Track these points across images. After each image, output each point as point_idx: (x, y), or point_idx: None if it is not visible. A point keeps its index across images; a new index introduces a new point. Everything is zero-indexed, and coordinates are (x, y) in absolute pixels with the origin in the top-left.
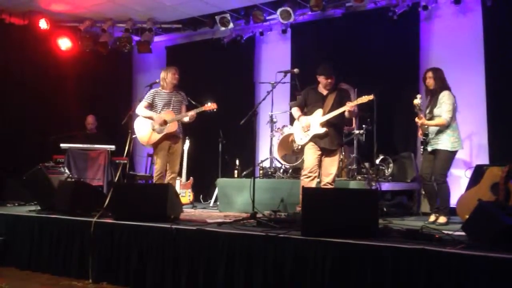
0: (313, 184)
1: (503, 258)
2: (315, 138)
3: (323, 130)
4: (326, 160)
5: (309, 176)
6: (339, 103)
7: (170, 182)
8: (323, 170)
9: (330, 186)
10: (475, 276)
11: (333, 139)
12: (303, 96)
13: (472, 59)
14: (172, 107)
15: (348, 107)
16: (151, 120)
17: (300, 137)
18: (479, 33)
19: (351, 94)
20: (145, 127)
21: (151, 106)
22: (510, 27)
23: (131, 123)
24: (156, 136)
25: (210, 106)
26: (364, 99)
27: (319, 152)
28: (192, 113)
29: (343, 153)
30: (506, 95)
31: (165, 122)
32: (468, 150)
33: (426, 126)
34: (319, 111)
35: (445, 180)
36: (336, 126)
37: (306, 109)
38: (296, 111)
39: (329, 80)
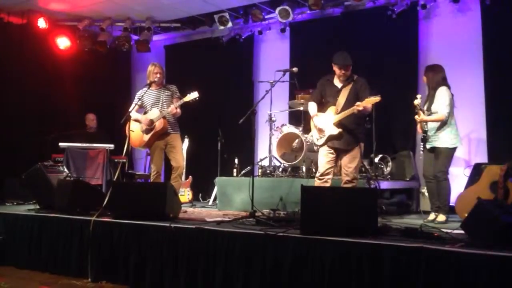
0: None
1: (502, 256)
2: (331, 140)
3: (337, 131)
4: (344, 159)
5: (321, 179)
6: (354, 98)
7: (177, 179)
8: (342, 169)
9: (353, 184)
10: (474, 274)
11: (348, 139)
12: (319, 89)
13: (471, 58)
14: (161, 104)
15: (356, 109)
16: (139, 123)
17: (317, 137)
18: (478, 31)
19: None
20: (135, 130)
21: (142, 107)
22: (508, 25)
23: (129, 122)
24: (146, 137)
25: (191, 96)
26: (371, 100)
27: (333, 155)
28: (172, 107)
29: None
30: (505, 93)
31: (152, 122)
32: (467, 149)
33: (425, 123)
34: (332, 109)
35: (446, 177)
36: (351, 124)
37: (323, 102)
38: (311, 107)
39: (342, 71)
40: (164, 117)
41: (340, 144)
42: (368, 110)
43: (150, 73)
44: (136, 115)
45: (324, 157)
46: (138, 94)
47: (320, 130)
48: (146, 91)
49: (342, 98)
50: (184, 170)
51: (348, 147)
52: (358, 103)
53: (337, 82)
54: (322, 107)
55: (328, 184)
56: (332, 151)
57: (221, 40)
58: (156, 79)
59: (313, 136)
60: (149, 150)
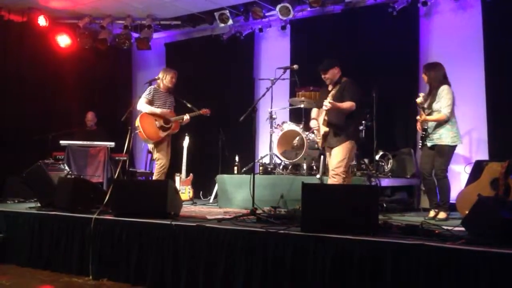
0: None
1: (503, 253)
2: (324, 139)
3: (323, 130)
4: (331, 154)
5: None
6: (339, 99)
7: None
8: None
9: (334, 179)
10: (475, 271)
11: (333, 137)
12: (320, 95)
13: (472, 55)
14: (167, 108)
15: (325, 106)
16: (155, 116)
17: (319, 137)
18: (478, 28)
19: None
20: (151, 124)
21: (150, 103)
22: (509, 22)
23: (130, 120)
24: (163, 134)
25: (206, 111)
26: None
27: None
28: (187, 118)
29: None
30: (506, 90)
31: (169, 121)
32: (468, 146)
33: (426, 121)
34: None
35: (445, 175)
36: (335, 122)
37: None
38: (312, 113)
39: (322, 75)
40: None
41: (328, 142)
42: (344, 109)
43: (169, 78)
44: (154, 109)
45: (328, 157)
46: (151, 90)
47: (318, 132)
48: (157, 90)
49: (329, 100)
50: (185, 168)
51: (333, 145)
52: (325, 101)
53: (330, 87)
54: None
55: (346, 180)
56: (328, 148)
57: (221, 38)
58: (171, 85)
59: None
60: (155, 146)
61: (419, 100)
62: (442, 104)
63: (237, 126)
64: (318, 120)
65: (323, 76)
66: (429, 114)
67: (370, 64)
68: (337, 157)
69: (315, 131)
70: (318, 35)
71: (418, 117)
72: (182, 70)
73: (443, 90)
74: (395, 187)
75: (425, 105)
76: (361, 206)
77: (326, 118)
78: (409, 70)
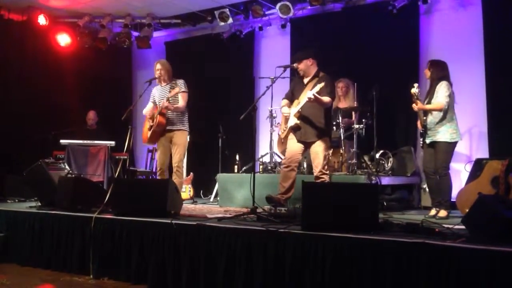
0: (291, 175)
1: (503, 251)
2: (292, 130)
3: (294, 121)
4: (311, 154)
5: (287, 166)
6: (317, 93)
7: (174, 176)
8: (312, 163)
9: (321, 179)
10: (475, 270)
11: (306, 131)
12: (291, 86)
13: (472, 53)
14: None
15: (308, 97)
16: (150, 117)
17: (283, 128)
18: (479, 26)
19: (350, 89)
20: (145, 127)
21: (154, 104)
22: (510, 19)
23: (131, 119)
24: (148, 134)
25: (176, 90)
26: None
27: (300, 145)
28: (163, 103)
29: (343, 147)
30: (506, 88)
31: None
32: (468, 144)
33: (424, 118)
34: (295, 103)
35: (447, 172)
36: (311, 117)
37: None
38: (282, 103)
39: (295, 65)
40: (161, 114)
41: (299, 136)
42: (325, 104)
43: (154, 70)
44: (149, 112)
45: (293, 145)
46: (152, 91)
47: (285, 123)
48: (156, 87)
49: (304, 93)
50: (185, 167)
51: (306, 140)
52: (309, 92)
53: (305, 79)
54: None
55: (294, 172)
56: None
57: (221, 36)
58: (156, 76)
59: (281, 129)
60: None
61: (413, 90)
62: (439, 95)
63: (237, 124)
64: (290, 110)
65: (296, 65)
66: (428, 111)
67: (370, 62)
68: (317, 157)
69: (281, 121)
70: (318, 33)
71: (413, 105)
72: (182, 69)
73: (441, 85)
74: (396, 185)
75: (425, 102)
76: (361, 205)
77: (300, 110)
78: (409, 68)
